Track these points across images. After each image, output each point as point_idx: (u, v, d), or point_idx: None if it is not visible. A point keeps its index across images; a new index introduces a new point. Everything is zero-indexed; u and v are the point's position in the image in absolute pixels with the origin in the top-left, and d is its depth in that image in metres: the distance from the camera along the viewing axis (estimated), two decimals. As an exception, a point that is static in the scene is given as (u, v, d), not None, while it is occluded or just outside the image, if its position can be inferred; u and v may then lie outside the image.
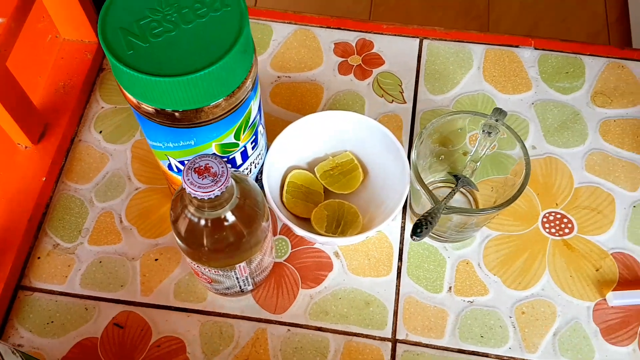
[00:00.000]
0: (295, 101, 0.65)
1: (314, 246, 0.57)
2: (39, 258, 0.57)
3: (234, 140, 0.47)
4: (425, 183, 0.50)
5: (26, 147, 0.60)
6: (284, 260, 0.57)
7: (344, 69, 0.67)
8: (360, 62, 0.67)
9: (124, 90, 0.43)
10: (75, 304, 0.55)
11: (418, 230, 0.47)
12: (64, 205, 0.59)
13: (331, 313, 0.54)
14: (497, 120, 0.52)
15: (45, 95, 0.63)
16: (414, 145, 0.51)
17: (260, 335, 0.53)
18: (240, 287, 0.51)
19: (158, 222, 0.58)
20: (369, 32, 0.69)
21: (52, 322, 0.54)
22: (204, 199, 0.40)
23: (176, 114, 0.42)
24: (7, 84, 0.54)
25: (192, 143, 0.45)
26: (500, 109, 0.52)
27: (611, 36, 1.59)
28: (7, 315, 0.54)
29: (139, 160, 0.61)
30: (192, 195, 0.40)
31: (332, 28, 0.69)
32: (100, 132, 0.63)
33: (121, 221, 0.58)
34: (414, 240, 0.47)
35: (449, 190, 0.59)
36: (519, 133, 0.62)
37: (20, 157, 0.60)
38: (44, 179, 0.59)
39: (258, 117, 0.49)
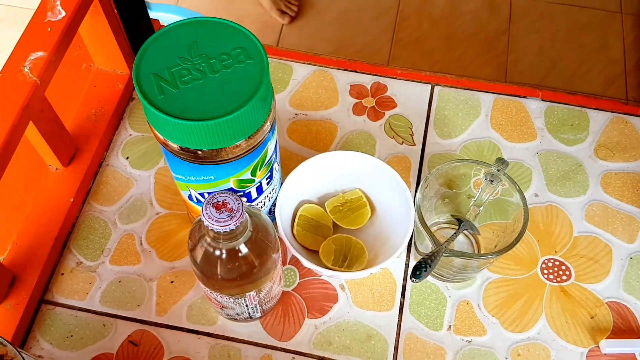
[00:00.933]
0: (311, 138, 0.68)
1: (321, 278, 0.60)
2: (62, 274, 0.60)
3: (251, 177, 0.51)
4: (430, 223, 0.53)
5: (57, 168, 0.64)
6: (292, 290, 0.60)
7: (358, 109, 0.70)
8: (374, 104, 0.71)
9: (153, 129, 0.47)
10: (94, 320, 0.58)
11: (417, 272, 0.50)
12: (89, 225, 0.63)
13: (334, 344, 0.57)
14: (498, 170, 0.55)
15: (78, 120, 0.68)
16: (419, 187, 0.54)
17: (266, 361, 0.56)
18: (249, 313, 0.54)
19: (176, 246, 0.62)
20: (384, 76, 0.72)
21: (71, 336, 0.57)
22: (220, 231, 0.43)
23: (199, 152, 0.46)
24: (43, 110, 0.58)
25: (212, 178, 0.49)
26: (503, 159, 0.56)
27: (628, 81, 1.62)
28: (30, 327, 0.58)
29: (162, 187, 0.65)
30: (210, 228, 0.43)
31: (349, 71, 0.73)
32: (127, 158, 0.67)
33: (141, 243, 0.62)
34: (412, 281, 0.50)
35: (453, 231, 0.62)
36: (522, 181, 0.65)
37: (50, 178, 0.64)
38: (71, 199, 0.63)
39: (274, 155, 0.53)
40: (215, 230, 0.43)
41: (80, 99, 0.69)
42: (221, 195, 0.44)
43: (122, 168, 0.66)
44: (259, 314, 0.55)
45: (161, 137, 0.46)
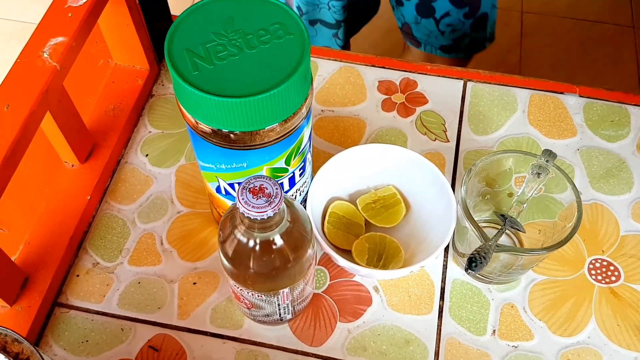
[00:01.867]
0: (338, 134, 0.65)
1: (353, 279, 0.56)
2: (77, 276, 0.57)
3: (285, 166, 0.47)
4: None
5: (73, 165, 0.61)
6: (322, 292, 0.56)
7: (387, 105, 0.67)
8: (404, 100, 0.68)
9: (184, 110, 0.44)
10: (112, 324, 0.54)
11: (473, 264, 0.46)
12: (107, 224, 0.59)
13: (369, 349, 0.53)
14: (547, 162, 0.52)
15: (95, 116, 0.65)
16: (462, 181, 0.51)
17: (296, 367, 0.52)
18: (280, 314, 0.50)
19: (198, 246, 0.58)
20: (413, 72, 0.69)
21: (87, 341, 0.53)
22: (256, 219, 0.40)
23: (232, 135, 0.42)
24: (62, 102, 0.55)
25: (245, 165, 0.46)
26: (550, 150, 0.52)
27: None
28: (42, 332, 0.54)
29: (183, 185, 0.62)
30: (246, 215, 0.40)
31: (377, 67, 0.70)
32: (147, 155, 0.64)
33: (162, 243, 0.58)
34: (469, 274, 0.47)
35: (493, 230, 0.58)
36: (565, 177, 0.61)
37: (66, 176, 0.61)
38: (88, 197, 0.59)
39: (308, 144, 0.49)
40: (252, 218, 0.40)
41: (98, 95, 0.66)
42: (258, 179, 0.40)
43: (142, 165, 0.63)
44: (290, 315, 0.52)
45: (192, 119, 0.43)
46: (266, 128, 0.43)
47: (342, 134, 0.65)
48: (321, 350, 0.53)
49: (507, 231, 0.58)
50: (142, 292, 0.56)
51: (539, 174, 0.53)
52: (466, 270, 0.47)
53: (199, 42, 0.41)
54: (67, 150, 0.59)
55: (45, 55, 0.51)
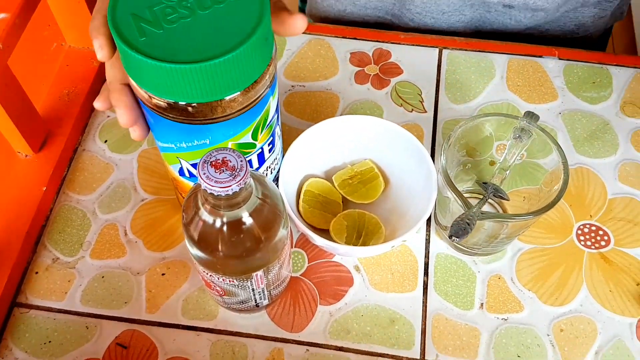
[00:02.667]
0: (310, 110, 0.62)
1: (333, 259, 0.53)
2: (36, 273, 0.53)
3: (252, 140, 0.44)
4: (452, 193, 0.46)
5: (26, 155, 0.57)
6: (300, 275, 0.53)
7: (360, 78, 0.64)
8: (378, 71, 0.64)
9: (134, 83, 0.40)
10: (75, 322, 0.50)
11: (458, 231, 0.43)
12: (65, 217, 0.55)
13: (353, 332, 0.50)
14: (529, 124, 0.49)
15: (49, 102, 0.60)
16: (442, 149, 0.48)
17: (277, 356, 0.49)
18: (255, 300, 0.47)
19: (165, 235, 0.54)
20: (386, 42, 0.66)
21: (49, 341, 0.50)
22: (220, 195, 0.36)
23: (190, 108, 0.39)
24: (9, 86, 0.51)
25: (207, 142, 0.42)
26: (532, 112, 0.49)
27: (615, 45, 1.56)
28: (1, 335, 0.50)
29: (146, 171, 0.58)
30: (209, 192, 0.36)
31: (348, 38, 0.67)
32: (106, 141, 0.60)
33: (126, 234, 0.55)
34: (453, 241, 0.43)
35: (476, 201, 0.55)
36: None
37: (19, 166, 0.56)
38: (44, 189, 0.55)
39: (275, 117, 0.46)
40: (216, 194, 0.36)
41: (51, 80, 0.62)
42: (220, 152, 0.37)
43: (100, 152, 0.59)
44: (266, 301, 0.48)
45: (144, 93, 0.39)
46: (227, 98, 0.39)
47: (314, 110, 0.62)
48: (302, 336, 0.50)
49: (490, 200, 0.55)
50: (107, 287, 0.52)
51: (521, 137, 0.50)
52: (450, 237, 0.44)
53: (146, 6, 0.38)
54: (20, 139, 0.55)
55: (-16, 33, 0.47)
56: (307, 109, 0.62)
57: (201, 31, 0.37)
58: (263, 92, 0.41)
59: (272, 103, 0.44)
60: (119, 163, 0.58)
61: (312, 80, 0.64)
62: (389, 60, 0.65)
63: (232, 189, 0.36)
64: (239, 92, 0.39)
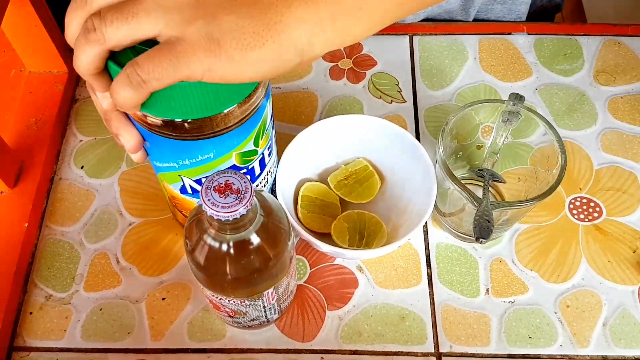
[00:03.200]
0: (290, 112, 0.61)
1: (335, 262, 0.53)
2: (31, 313, 0.50)
3: (254, 147, 0.42)
4: (449, 183, 0.46)
5: (2, 192, 0.54)
6: (304, 282, 0.52)
7: (335, 73, 0.63)
8: (352, 64, 0.64)
9: None
10: (79, 360, 0.49)
11: (483, 232, 0.43)
12: (52, 251, 0.53)
13: (365, 333, 0.50)
14: (515, 105, 0.50)
15: (16, 133, 0.57)
16: (438, 142, 0.47)
17: (292, 368, 0.48)
18: (266, 316, 0.46)
19: (160, 258, 0.53)
20: (356, 34, 0.65)
21: (54, 384, 0.48)
22: (228, 220, 0.35)
23: (186, 124, 0.37)
24: (-25, 123, 0.48)
25: (212, 156, 0.40)
26: (518, 94, 0.50)
27: (564, 14, 1.58)
28: (1, 383, 0.48)
29: (128, 193, 0.56)
30: (215, 218, 0.35)
31: (317, 33, 0.65)
32: (82, 167, 0.57)
33: (118, 261, 0.53)
34: (481, 243, 0.44)
35: (472, 187, 0.55)
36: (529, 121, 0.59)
37: (-4, 204, 0.54)
38: (26, 225, 0.53)
39: (271, 122, 0.45)
40: (223, 219, 0.35)
41: (15, 109, 0.59)
42: (222, 175, 0.35)
43: (79, 179, 0.57)
44: (276, 315, 0.47)
45: (138, 112, 0.37)
46: (225, 111, 0.37)
47: (293, 111, 0.61)
48: (315, 344, 0.49)
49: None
50: (107, 319, 0.50)
51: (510, 120, 0.50)
52: (477, 239, 0.43)
53: None
54: (-8, 176, 0.52)
55: (-56, 72, 0.44)
56: (286, 111, 0.61)
57: None
58: (262, 97, 0.40)
59: (269, 107, 0.43)
60: (99, 188, 0.56)
61: (287, 80, 0.63)
62: (362, 53, 0.64)
63: (239, 213, 0.35)
64: (235, 106, 0.38)
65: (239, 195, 0.35)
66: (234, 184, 0.35)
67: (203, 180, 0.42)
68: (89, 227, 0.54)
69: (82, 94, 0.61)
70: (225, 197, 0.35)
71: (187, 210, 0.47)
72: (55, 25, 0.58)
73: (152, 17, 0.31)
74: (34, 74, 0.61)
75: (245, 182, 0.36)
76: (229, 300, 0.42)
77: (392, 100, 0.61)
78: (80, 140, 0.59)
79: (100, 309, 0.51)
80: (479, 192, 0.55)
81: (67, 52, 0.60)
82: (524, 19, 0.68)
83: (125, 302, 0.51)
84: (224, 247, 0.38)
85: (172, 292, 0.51)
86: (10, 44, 0.58)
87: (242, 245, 0.38)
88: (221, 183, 0.35)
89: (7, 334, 0.49)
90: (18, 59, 0.60)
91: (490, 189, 0.55)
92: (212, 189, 0.35)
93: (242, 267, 0.39)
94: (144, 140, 0.41)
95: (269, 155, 0.45)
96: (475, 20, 0.67)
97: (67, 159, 0.58)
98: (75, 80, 0.62)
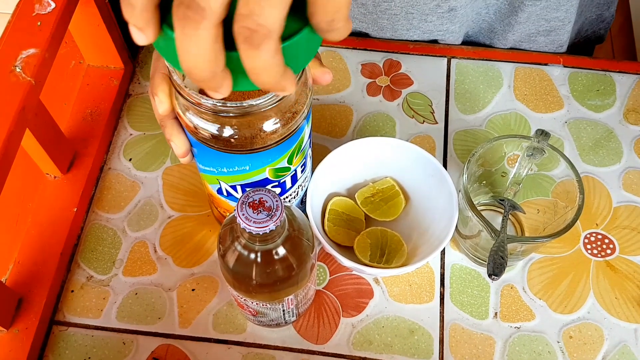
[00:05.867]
0: (325, 124, 0.64)
1: (353, 272, 0.56)
2: (72, 291, 0.55)
3: (287, 165, 0.46)
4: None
5: (55, 177, 0.59)
6: (323, 288, 0.56)
7: (372, 90, 0.66)
8: (389, 82, 0.66)
9: (181, 113, 0.42)
10: (113, 339, 0.53)
11: (496, 269, 0.46)
12: (96, 235, 0.58)
13: (375, 342, 0.53)
14: (539, 142, 0.52)
15: (73, 123, 0.62)
16: (464, 170, 0.50)
17: (304, 367, 0.52)
18: (284, 319, 0.50)
19: (193, 251, 0.57)
20: (396, 52, 0.68)
21: (89, 358, 0.53)
22: (259, 233, 0.39)
23: (232, 139, 0.41)
24: (39, 115, 0.53)
25: (247, 168, 0.45)
26: (544, 130, 0.52)
27: (615, 48, 1.58)
28: (42, 352, 0.53)
29: (171, 188, 0.60)
30: (247, 230, 0.39)
31: (358, 49, 0.69)
32: (130, 159, 0.62)
33: (155, 251, 0.57)
34: (493, 280, 0.47)
35: (492, 213, 0.58)
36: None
37: (49, 188, 0.59)
38: (75, 209, 0.58)
39: (309, 142, 0.48)
40: (254, 233, 0.39)
41: (73, 100, 0.64)
42: (257, 193, 0.39)
43: (126, 171, 0.61)
44: (294, 318, 0.51)
45: (191, 124, 0.41)
46: (267, 130, 0.41)
47: (329, 123, 0.64)
48: (327, 348, 0.53)
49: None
50: (141, 303, 0.55)
51: (534, 154, 0.52)
52: (490, 276, 0.46)
53: None
54: (48, 162, 0.57)
55: (17, 70, 0.48)
56: (322, 123, 0.64)
57: None
58: (300, 122, 0.43)
59: (307, 130, 0.46)
60: (144, 181, 0.61)
61: (326, 93, 0.66)
62: (400, 71, 0.67)
63: (269, 228, 0.39)
64: (279, 126, 0.41)
65: (270, 212, 0.39)
66: (266, 202, 0.39)
67: (237, 187, 0.46)
68: (132, 216, 0.59)
69: (135, 90, 0.66)
70: (257, 213, 0.39)
71: (222, 208, 0.51)
72: (116, 25, 0.62)
73: None
74: (92, 68, 0.65)
75: (277, 201, 0.39)
76: (252, 302, 0.46)
77: (424, 121, 0.64)
78: (131, 134, 0.63)
79: (136, 294, 0.55)
80: (499, 219, 0.57)
81: (122, 50, 0.64)
82: (565, 47, 0.69)
83: (158, 289, 0.56)
84: (252, 255, 0.42)
85: (201, 284, 0.56)
86: (72, 36, 0.62)
87: (269, 256, 0.42)
88: (255, 200, 0.39)
89: (50, 308, 0.54)
90: (78, 51, 0.65)
91: (510, 216, 0.58)
92: (247, 204, 0.39)
93: (267, 274, 0.43)
94: (192, 147, 0.45)
95: (302, 171, 0.49)
96: (513, 48, 0.69)
97: (117, 150, 0.62)
98: (129, 77, 0.66)
